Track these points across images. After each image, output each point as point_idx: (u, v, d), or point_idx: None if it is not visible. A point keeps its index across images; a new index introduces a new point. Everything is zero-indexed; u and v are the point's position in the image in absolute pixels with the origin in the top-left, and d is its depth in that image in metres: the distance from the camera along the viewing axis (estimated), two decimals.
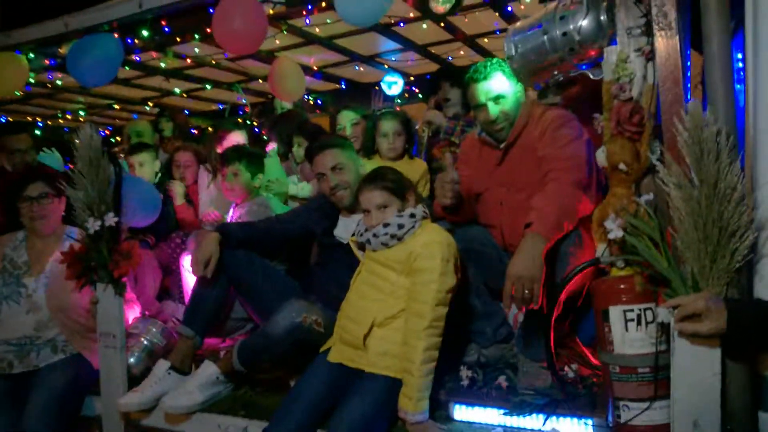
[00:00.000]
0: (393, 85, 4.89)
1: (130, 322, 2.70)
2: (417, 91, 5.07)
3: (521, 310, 2.04)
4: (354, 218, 2.56)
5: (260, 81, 4.76)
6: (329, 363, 2.15)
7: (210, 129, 5.78)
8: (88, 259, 2.43)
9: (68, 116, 5.60)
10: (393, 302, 2.08)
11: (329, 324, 2.28)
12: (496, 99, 2.34)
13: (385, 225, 2.10)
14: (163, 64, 3.94)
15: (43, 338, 2.54)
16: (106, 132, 6.25)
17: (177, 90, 4.99)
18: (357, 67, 4.51)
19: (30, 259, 2.66)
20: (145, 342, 2.61)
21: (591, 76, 2.02)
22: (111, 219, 2.35)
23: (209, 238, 2.48)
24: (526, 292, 1.92)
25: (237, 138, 3.72)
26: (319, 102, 5.39)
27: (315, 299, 2.49)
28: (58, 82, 4.24)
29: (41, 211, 2.64)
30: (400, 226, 2.09)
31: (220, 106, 5.73)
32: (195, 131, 5.48)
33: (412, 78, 5.02)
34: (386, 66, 4.61)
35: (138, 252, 2.46)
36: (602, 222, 1.82)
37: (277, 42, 3.67)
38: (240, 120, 5.78)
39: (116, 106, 5.39)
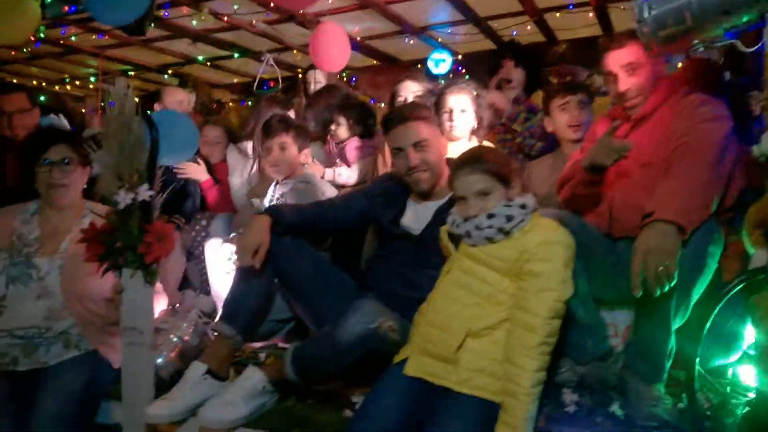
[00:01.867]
0: (441, 63, 4.56)
1: (157, 315, 2.38)
2: (464, 71, 4.74)
3: (654, 291, 1.72)
4: (428, 206, 2.26)
5: (294, 52, 4.42)
6: (406, 377, 1.83)
7: (231, 104, 5.48)
8: (113, 240, 2.10)
9: (77, 82, 5.26)
10: (491, 309, 1.77)
11: (403, 330, 1.97)
12: (629, 68, 2.03)
13: (490, 216, 1.78)
14: (194, 23, 3.60)
15: (54, 330, 2.23)
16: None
17: (200, 58, 4.65)
18: (407, 40, 4.18)
19: (42, 236, 2.34)
20: (175, 340, 2.29)
21: (741, 48, 1.73)
22: (145, 192, 2.02)
23: (259, 221, 2.17)
24: (660, 268, 1.65)
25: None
26: (353, 79, 5.07)
27: (374, 297, 2.19)
28: (73, 38, 3.90)
29: (62, 178, 2.31)
30: (509, 218, 1.77)
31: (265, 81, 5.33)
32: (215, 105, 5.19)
33: (460, 56, 4.69)
34: (439, 41, 4.28)
35: (173, 235, 2.13)
36: (764, 223, 1.50)
37: (330, 1, 3.34)
38: None
39: (131, 73, 5.05)
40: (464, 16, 3.78)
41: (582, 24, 4.13)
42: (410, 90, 3.18)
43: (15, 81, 4.98)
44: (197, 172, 3.46)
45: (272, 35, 4.07)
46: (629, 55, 2.10)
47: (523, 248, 1.72)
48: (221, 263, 2.85)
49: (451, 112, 2.85)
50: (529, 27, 3.96)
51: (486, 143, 3.02)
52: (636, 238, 1.88)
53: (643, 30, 1.85)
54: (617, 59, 2.11)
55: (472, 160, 1.84)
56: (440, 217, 2.17)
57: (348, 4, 3.53)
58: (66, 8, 2.78)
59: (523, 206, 1.79)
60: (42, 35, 3.56)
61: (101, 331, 2.32)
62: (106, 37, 3.97)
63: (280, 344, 2.61)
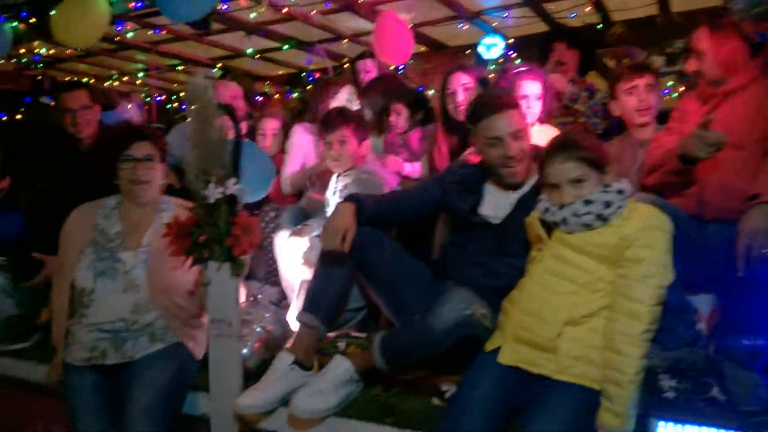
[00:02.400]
0: (492, 48, 4.52)
1: None
2: (515, 55, 4.70)
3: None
4: (509, 194, 2.25)
5: (343, 42, 4.43)
6: (500, 366, 1.84)
7: (276, 96, 5.52)
8: (199, 233, 2.15)
9: (125, 78, 5.35)
10: (589, 296, 1.77)
11: (491, 317, 1.98)
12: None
13: (587, 202, 1.77)
14: (253, 15, 3.63)
15: (140, 323, 2.28)
16: (162, 97, 6.01)
17: (250, 50, 4.69)
18: (460, 25, 4.16)
19: (124, 230, 2.40)
20: (259, 330, 2.33)
21: None
22: (233, 186, 2.06)
23: (344, 208, 2.20)
24: (765, 249, 1.68)
25: (343, 96, 3.39)
26: (400, 67, 5.05)
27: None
28: (129, 35, 3.96)
29: (145, 174, 2.36)
30: (607, 204, 1.76)
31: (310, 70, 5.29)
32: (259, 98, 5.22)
33: (511, 40, 4.65)
34: (494, 25, 4.24)
35: (259, 227, 2.17)
36: None
37: None
38: (309, 87, 5.50)
39: (179, 68, 5.11)
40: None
41: (639, 3, 4.05)
42: (461, 82, 3.15)
43: (67, 78, 5.07)
44: None
45: (326, 25, 4.07)
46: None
47: (624, 234, 1.72)
48: (292, 254, 2.88)
49: (527, 98, 2.83)
50: (588, 9, 3.89)
51: (550, 128, 3.00)
52: (728, 220, 1.85)
53: (736, 7, 1.82)
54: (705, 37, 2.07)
55: (565, 147, 1.83)
56: (523, 205, 2.16)
57: None
58: (132, 5, 2.82)
59: (620, 192, 1.78)
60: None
61: (184, 324, 2.37)
62: (164, 32, 4.03)
63: (353, 333, 2.64)
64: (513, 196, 2.25)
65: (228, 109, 2.14)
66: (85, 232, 2.39)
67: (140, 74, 5.26)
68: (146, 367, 2.23)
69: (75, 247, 2.36)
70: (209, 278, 2.17)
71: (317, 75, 5.41)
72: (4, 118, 4.99)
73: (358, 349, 2.39)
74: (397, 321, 2.34)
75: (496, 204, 2.28)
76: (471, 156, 2.54)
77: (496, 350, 1.88)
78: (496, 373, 1.84)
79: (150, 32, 3.97)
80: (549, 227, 1.90)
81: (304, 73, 5.44)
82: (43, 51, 4.44)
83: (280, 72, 5.51)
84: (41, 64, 4.74)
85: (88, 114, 3.54)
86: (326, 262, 2.25)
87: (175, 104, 5.90)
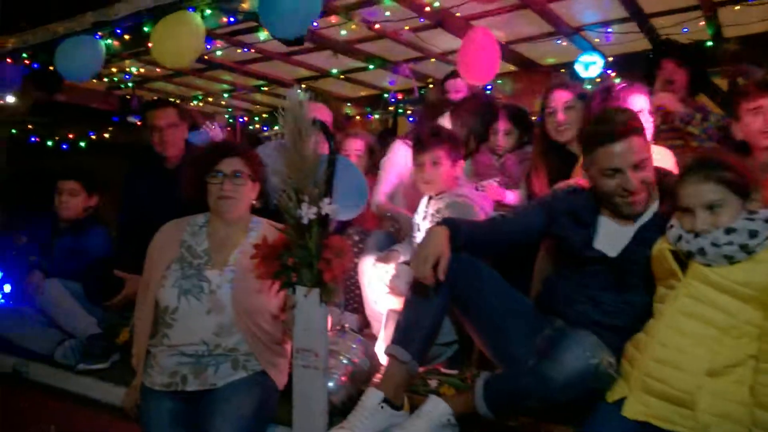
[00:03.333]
0: (591, 66, 4.31)
1: None
2: (613, 74, 4.47)
3: None
4: (625, 229, 2.05)
5: (432, 60, 4.33)
6: (627, 421, 1.64)
7: (357, 117, 5.47)
8: (286, 256, 2.05)
9: (209, 99, 5.43)
10: (733, 343, 1.56)
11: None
12: None
13: (729, 231, 1.56)
14: (343, 32, 3.58)
15: (222, 347, 2.20)
16: (245, 119, 6.08)
17: (335, 70, 4.66)
18: (558, 41, 3.99)
19: (211, 248, 2.34)
20: (345, 362, 2.20)
21: None
22: (327, 206, 1.95)
23: (437, 233, 2.06)
24: None
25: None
26: (487, 87, 4.91)
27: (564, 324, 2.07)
28: (218, 53, 3.99)
29: (233, 191, 2.30)
30: (753, 234, 1.55)
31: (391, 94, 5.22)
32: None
33: (610, 58, 4.43)
34: (596, 41, 4.05)
35: (351, 251, 2.06)
36: None
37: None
38: (391, 107, 5.43)
39: (265, 89, 5.15)
40: (629, 13, 3.53)
41: (755, 18, 3.78)
42: (562, 100, 2.96)
43: (154, 98, 5.19)
44: None
45: (413, 43, 3.99)
46: None
47: None
48: (377, 282, 2.76)
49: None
50: (701, 23, 3.64)
51: (663, 149, 2.77)
52: None
53: None
54: None
55: (704, 166, 1.64)
56: (643, 236, 1.97)
57: (501, 6, 3.36)
58: (225, 20, 2.80)
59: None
60: None
61: (267, 350, 2.27)
62: (252, 51, 4.05)
63: (442, 369, 2.48)
64: (631, 228, 2.05)
65: (323, 126, 2.04)
66: (172, 249, 2.34)
67: (225, 95, 5.33)
68: (228, 398, 2.13)
69: (161, 264, 2.31)
70: (296, 304, 2.07)
71: (400, 96, 5.35)
72: (93, 137, 5.17)
73: (452, 389, 2.24)
74: (498, 359, 2.17)
75: (612, 236, 2.08)
76: (579, 181, 2.36)
77: (620, 401, 1.67)
78: (622, 429, 1.63)
79: (239, 51, 3.99)
80: (681, 261, 1.69)
81: (386, 95, 5.38)
82: (133, 70, 4.55)
83: (362, 93, 5.47)
84: (131, 84, 4.87)
85: (176, 132, 3.56)
86: (418, 291, 2.11)
87: (257, 125, 5.97)
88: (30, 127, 4.62)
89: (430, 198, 2.79)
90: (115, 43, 3.16)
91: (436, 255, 2.00)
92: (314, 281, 2.03)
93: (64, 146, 5.82)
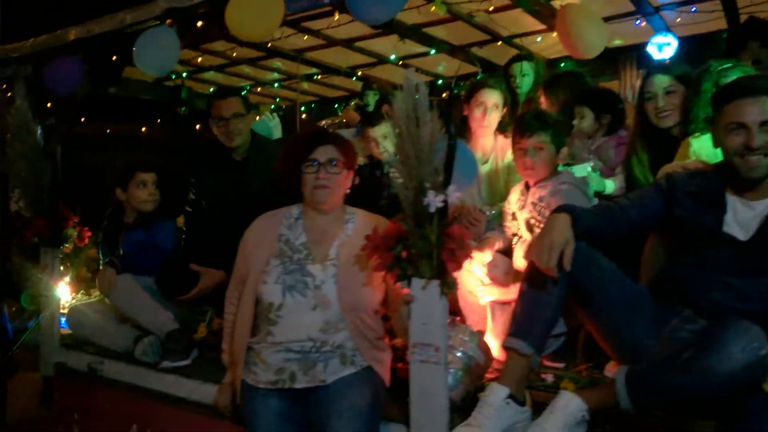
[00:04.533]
0: (665, 47, 4.20)
1: None
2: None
3: None
4: (754, 205, 1.98)
5: (498, 43, 4.24)
6: None
7: None
8: (401, 246, 1.99)
9: (258, 89, 5.38)
10: None
11: None
12: None
13: None
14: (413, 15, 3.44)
15: (330, 344, 2.15)
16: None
17: (393, 57, 4.58)
18: (638, 22, 3.88)
19: (309, 241, 2.29)
20: (460, 356, 2.14)
21: None
22: (454, 194, 1.89)
23: (560, 220, 2.00)
24: None
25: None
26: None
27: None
28: (278, 38, 3.90)
29: (328, 180, 2.24)
30: None
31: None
32: None
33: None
34: (678, 21, 3.94)
35: (470, 242, 1.99)
36: None
37: None
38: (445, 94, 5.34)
39: (318, 77, 5.09)
40: None
41: None
42: (661, 85, 2.85)
43: (211, 89, 5.16)
44: None
45: (487, 26, 3.90)
46: None
47: None
48: (473, 271, 2.68)
49: None
50: None
51: None
52: None
53: None
54: None
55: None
56: None
57: None
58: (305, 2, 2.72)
59: None
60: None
61: (372, 346, 2.23)
62: (305, 38, 3.98)
63: (547, 363, 2.42)
64: (761, 207, 1.98)
65: (441, 109, 1.97)
66: (270, 243, 2.29)
67: (276, 84, 5.27)
68: (342, 394, 2.09)
69: (260, 259, 2.26)
70: (413, 297, 2.01)
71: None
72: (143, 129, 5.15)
73: (571, 383, 2.17)
74: (621, 352, 2.11)
75: (741, 218, 2.02)
76: (694, 163, 2.30)
77: None
78: None
79: (306, 37, 3.91)
80: None
81: (440, 81, 5.28)
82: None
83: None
84: (184, 74, 4.83)
85: (240, 123, 3.52)
86: (536, 281, 2.05)
87: (303, 115, 5.92)
88: (82, 120, 4.59)
89: (527, 185, 2.71)
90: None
91: (562, 243, 1.94)
92: (433, 273, 1.97)
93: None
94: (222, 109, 3.46)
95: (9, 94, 3.67)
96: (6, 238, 3.57)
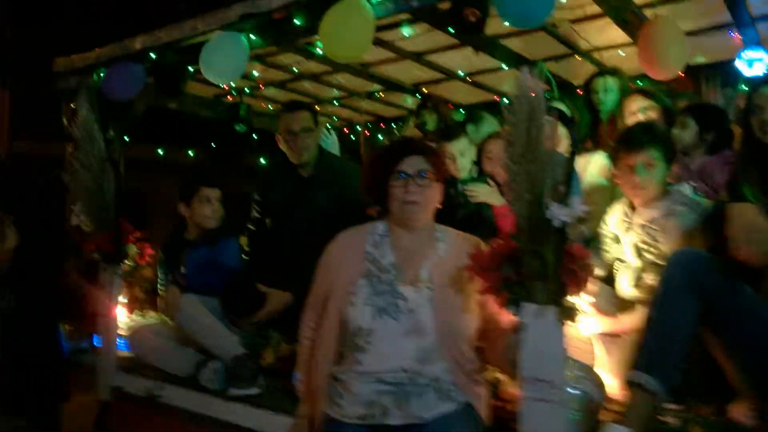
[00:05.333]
0: (756, 63, 3.92)
1: None
2: None
3: None
4: None
5: (577, 58, 4.03)
6: None
7: None
8: (512, 266, 1.79)
9: (316, 107, 5.26)
10: None
11: None
12: None
13: None
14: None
15: (425, 375, 1.95)
16: (345, 129, 5.88)
17: (461, 72, 4.41)
18: (731, 33, 3.64)
19: (398, 261, 2.09)
20: (576, 393, 1.91)
21: None
22: (579, 207, 1.68)
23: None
24: None
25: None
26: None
27: None
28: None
29: (418, 193, 2.06)
30: None
31: None
32: None
33: None
34: (760, 35, 3.67)
35: (590, 263, 1.78)
36: None
37: None
38: None
39: (380, 94, 4.93)
40: None
41: None
42: None
43: (271, 107, 5.05)
44: (489, 194, 3.13)
45: (568, 38, 3.70)
46: None
47: None
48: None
49: None
50: None
51: None
52: None
53: None
54: None
55: None
56: None
57: None
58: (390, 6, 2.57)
59: None
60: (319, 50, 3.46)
61: (470, 379, 2.02)
62: (389, 51, 3.83)
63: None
64: None
65: (562, 115, 1.78)
66: (357, 261, 2.11)
67: (335, 102, 5.14)
68: None
69: (345, 278, 2.08)
70: (525, 325, 1.79)
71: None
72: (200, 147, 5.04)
73: (698, 427, 1.92)
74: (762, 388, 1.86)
75: None
76: None
77: None
78: None
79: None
80: None
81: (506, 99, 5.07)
82: (255, 74, 4.39)
83: (476, 99, 5.18)
84: (247, 90, 4.72)
85: (309, 138, 3.40)
86: (668, 306, 1.83)
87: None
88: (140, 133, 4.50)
89: (632, 206, 2.49)
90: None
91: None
92: (549, 297, 1.76)
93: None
94: (292, 123, 3.35)
95: (73, 106, 3.60)
96: (65, 254, 3.47)
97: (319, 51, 3.49)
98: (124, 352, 3.26)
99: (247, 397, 2.66)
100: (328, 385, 2.05)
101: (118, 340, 3.27)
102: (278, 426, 2.44)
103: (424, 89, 4.80)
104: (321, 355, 2.09)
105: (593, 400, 1.93)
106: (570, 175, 1.75)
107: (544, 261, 1.74)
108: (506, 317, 1.84)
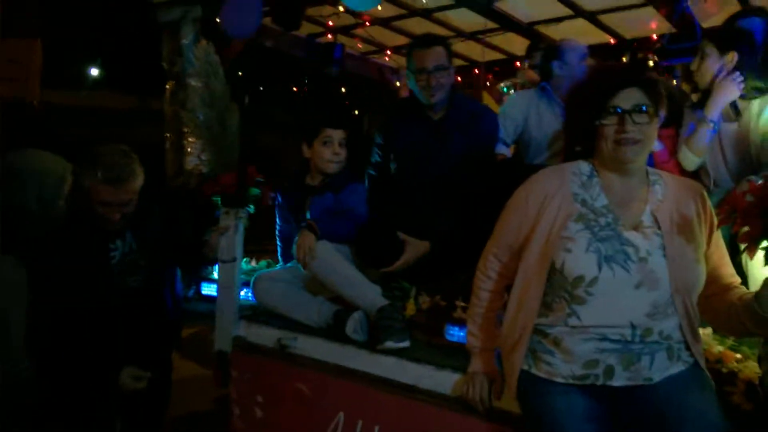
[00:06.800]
0: None
1: None
2: None
3: None
4: None
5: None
6: None
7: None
8: None
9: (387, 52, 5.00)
10: None
11: None
12: None
13: None
14: None
15: (656, 332, 1.75)
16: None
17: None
18: None
19: (611, 204, 1.87)
20: None
21: None
22: None
23: None
24: None
25: None
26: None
27: None
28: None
29: (636, 132, 1.80)
30: None
31: None
32: None
33: None
34: None
35: None
36: None
37: None
38: None
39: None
40: None
41: None
42: None
43: (359, 46, 4.80)
44: None
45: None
46: None
47: None
48: None
49: None
50: None
51: None
52: None
53: None
54: None
55: None
56: None
57: None
58: None
59: None
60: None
61: (695, 337, 1.82)
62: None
63: None
64: None
65: None
66: (565, 203, 1.88)
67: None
68: (681, 398, 1.69)
69: (554, 221, 1.86)
70: None
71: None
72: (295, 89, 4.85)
73: None
74: None
75: None
76: None
77: None
78: None
79: None
80: None
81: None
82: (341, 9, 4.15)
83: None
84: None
85: (444, 76, 3.13)
86: None
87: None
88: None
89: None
90: None
91: None
92: None
93: None
94: (425, 60, 3.10)
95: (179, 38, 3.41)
96: (179, 197, 3.32)
97: None
98: (244, 301, 3.11)
99: (401, 351, 2.49)
100: (529, 341, 1.87)
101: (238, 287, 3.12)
102: (440, 381, 2.30)
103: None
104: (523, 306, 1.89)
105: None
106: None
107: None
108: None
